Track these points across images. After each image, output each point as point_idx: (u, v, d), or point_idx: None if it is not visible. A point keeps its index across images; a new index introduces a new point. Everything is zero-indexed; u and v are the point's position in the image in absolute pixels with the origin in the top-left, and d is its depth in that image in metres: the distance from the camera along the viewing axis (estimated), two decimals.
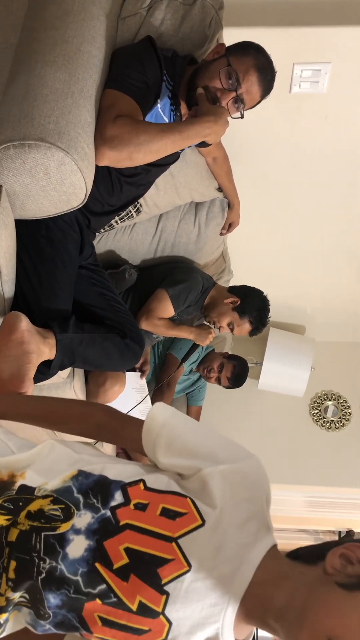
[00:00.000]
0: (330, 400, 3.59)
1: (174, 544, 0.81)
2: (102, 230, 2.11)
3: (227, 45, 1.65)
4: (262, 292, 2.42)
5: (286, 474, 3.36)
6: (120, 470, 0.90)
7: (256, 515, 0.87)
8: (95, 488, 0.87)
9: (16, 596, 0.85)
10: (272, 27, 1.90)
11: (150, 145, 1.43)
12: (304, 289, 3.36)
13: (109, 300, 1.74)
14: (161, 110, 1.59)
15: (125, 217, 2.07)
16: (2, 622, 0.87)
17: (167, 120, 1.63)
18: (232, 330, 2.39)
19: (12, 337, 1.31)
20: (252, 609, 0.82)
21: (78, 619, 0.83)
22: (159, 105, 1.57)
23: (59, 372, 1.83)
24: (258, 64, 1.60)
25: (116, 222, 2.07)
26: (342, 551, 0.80)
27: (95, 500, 0.85)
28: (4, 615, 0.86)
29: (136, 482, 0.87)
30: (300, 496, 3.63)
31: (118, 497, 0.85)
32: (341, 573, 0.78)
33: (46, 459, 0.94)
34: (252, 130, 2.22)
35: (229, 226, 2.40)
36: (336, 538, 4.75)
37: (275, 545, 0.86)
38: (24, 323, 1.34)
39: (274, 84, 1.64)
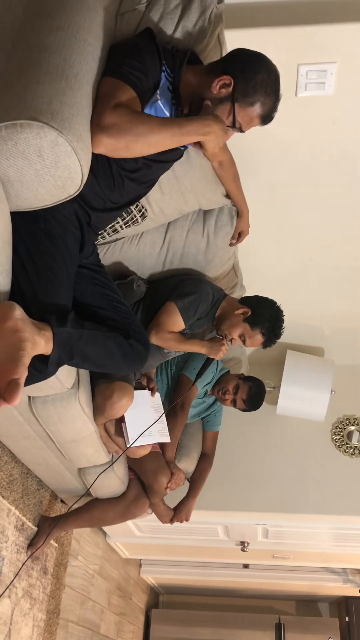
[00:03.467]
0: (353, 425, 3.44)
1: None
2: (106, 236, 2.06)
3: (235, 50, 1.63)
4: (275, 302, 2.34)
5: (309, 503, 3.19)
6: None
7: None
8: None
9: None
10: (274, 27, 1.88)
11: (148, 136, 1.41)
12: (322, 309, 3.27)
13: (112, 301, 1.68)
14: (161, 103, 1.56)
15: (131, 223, 2.02)
16: None
17: (167, 114, 1.60)
18: (244, 342, 2.30)
19: (4, 325, 1.24)
20: None
21: None
22: (158, 96, 1.54)
23: (62, 379, 1.77)
24: (263, 114, 1.63)
25: (121, 227, 2.02)
26: None
27: None
28: None
29: None
30: (325, 528, 3.43)
31: None
32: None
33: None
34: (257, 137, 2.18)
35: (239, 235, 2.34)
36: None
37: None
38: (18, 312, 1.27)
39: None
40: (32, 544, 2.63)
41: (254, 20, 1.89)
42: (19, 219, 1.42)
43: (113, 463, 2.29)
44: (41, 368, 1.40)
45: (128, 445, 2.13)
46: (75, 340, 1.43)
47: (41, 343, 1.32)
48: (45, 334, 1.33)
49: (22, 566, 2.50)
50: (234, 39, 1.86)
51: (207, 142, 1.53)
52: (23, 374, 1.19)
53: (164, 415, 2.32)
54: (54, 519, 2.73)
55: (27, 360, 1.22)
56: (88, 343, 1.47)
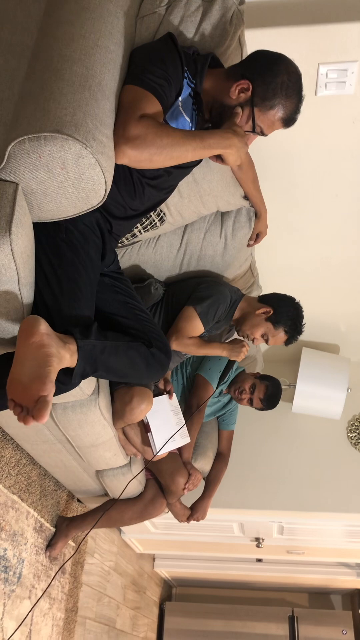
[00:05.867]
0: None
1: None
2: (125, 241, 2.04)
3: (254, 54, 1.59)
4: (295, 299, 2.33)
5: (324, 501, 3.19)
6: None
7: None
8: None
9: None
10: (295, 26, 1.84)
11: (171, 149, 1.39)
12: (337, 306, 3.24)
13: (133, 309, 1.66)
14: (182, 109, 1.54)
15: (149, 227, 2.00)
16: None
17: (188, 119, 1.57)
18: (266, 341, 2.29)
19: (30, 340, 1.23)
20: None
21: None
22: (180, 102, 1.52)
23: (83, 387, 1.76)
24: (285, 117, 1.59)
25: (139, 231, 2.00)
26: None
27: None
28: None
29: None
30: (340, 525, 3.43)
31: None
32: None
33: None
34: (276, 137, 2.15)
35: (257, 237, 2.32)
36: None
37: None
38: (43, 326, 1.26)
39: None
40: (51, 544, 2.64)
41: (274, 20, 1.85)
42: (40, 229, 1.40)
43: (138, 474, 2.30)
44: (65, 380, 1.40)
45: (155, 454, 2.13)
46: (99, 352, 1.42)
47: (66, 357, 1.31)
48: (70, 347, 1.32)
49: (55, 576, 2.52)
50: (254, 39, 1.84)
51: (227, 156, 1.52)
52: (51, 391, 1.18)
53: (182, 417, 2.32)
54: (71, 520, 2.74)
55: (54, 377, 1.22)
56: (111, 354, 1.46)
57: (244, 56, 1.73)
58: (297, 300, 2.34)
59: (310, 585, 5.45)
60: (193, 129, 1.60)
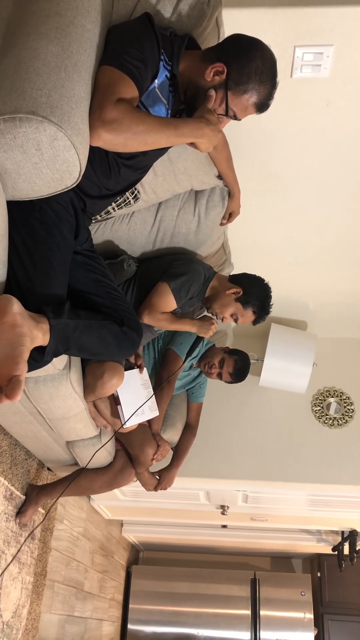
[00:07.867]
0: (332, 397, 3.53)
1: None
2: (99, 217, 2.06)
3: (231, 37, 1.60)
4: (264, 280, 2.39)
5: (287, 471, 3.31)
6: None
7: None
8: None
9: None
10: (272, 8, 1.84)
11: (146, 135, 1.41)
12: (306, 284, 3.31)
13: (106, 287, 1.69)
14: (158, 90, 1.55)
15: (123, 205, 2.01)
16: None
17: (164, 101, 1.58)
18: (236, 320, 2.34)
19: (3, 320, 1.26)
20: None
21: None
22: (156, 84, 1.52)
23: (55, 362, 1.79)
24: (258, 102, 1.61)
25: (113, 209, 2.02)
26: None
27: None
28: None
29: None
30: (302, 495, 3.56)
31: None
32: None
33: None
34: (250, 117, 2.17)
35: (230, 216, 2.35)
36: (339, 539, 4.69)
37: None
38: (16, 306, 1.28)
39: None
40: (21, 512, 2.70)
41: (252, 0, 1.85)
42: (14, 207, 1.41)
43: (105, 444, 2.35)
44: (38, 358, 1.43)
45: (124, 426, 2.18)
46: (72, 331, 1.45)
47: (39, 336, 1.34)
48: (42, 327, 1.35)
49: (24, 541, 2.57)
50: (231, 19, 1.83)
51: (199, 144, 1.56)
52: (24, 371, 1.21)
53: (152, 391, 2.37)
54: (41, 488, 2.80)
55: (26, 356, 1.25)
56: (84, 333, 1.49)
57: (221, 37, 1.73)
58: (267, 281, 2.39)
59: (272, 550, 5.66)
60: (169, 111, 1.62)
